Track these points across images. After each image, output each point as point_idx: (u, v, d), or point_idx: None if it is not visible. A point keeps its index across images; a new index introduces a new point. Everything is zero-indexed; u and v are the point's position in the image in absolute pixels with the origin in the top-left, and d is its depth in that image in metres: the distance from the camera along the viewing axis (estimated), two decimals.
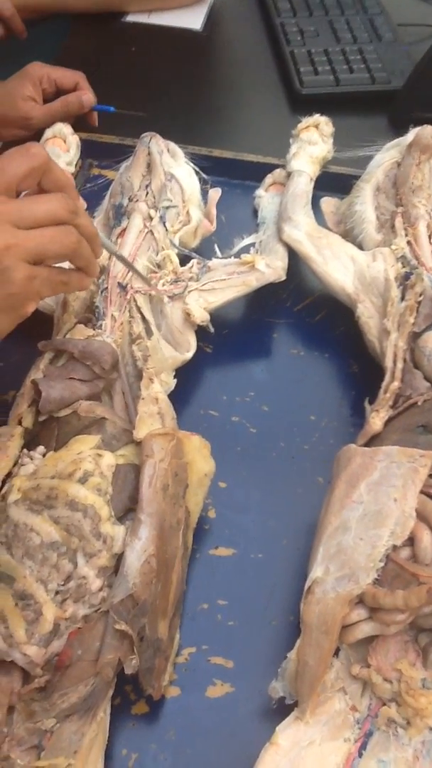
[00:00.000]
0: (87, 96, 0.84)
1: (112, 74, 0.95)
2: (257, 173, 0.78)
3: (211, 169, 0.75)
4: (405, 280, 0.61)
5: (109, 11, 1.04)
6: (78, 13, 1.03)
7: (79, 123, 0.85)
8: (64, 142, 0.76)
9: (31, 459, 0.51)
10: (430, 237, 0.65)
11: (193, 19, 1.06)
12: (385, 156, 0.70)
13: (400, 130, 0.87)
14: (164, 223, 0.66)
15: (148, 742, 0.46)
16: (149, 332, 0.59)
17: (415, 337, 0.57)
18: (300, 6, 1.04)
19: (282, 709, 0.45)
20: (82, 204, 0.49)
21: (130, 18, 1.05)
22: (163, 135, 0.76)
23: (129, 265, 0.59)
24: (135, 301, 0.60)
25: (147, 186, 0.67)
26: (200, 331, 0.62)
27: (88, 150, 0.80)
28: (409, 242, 0.65)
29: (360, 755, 0.42)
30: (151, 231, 0.65)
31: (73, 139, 0.76)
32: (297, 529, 0.54)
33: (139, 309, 0.60)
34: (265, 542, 0.54)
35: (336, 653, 0.45)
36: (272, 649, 0.49)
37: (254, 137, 0.88)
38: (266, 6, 1.06)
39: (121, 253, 0.60)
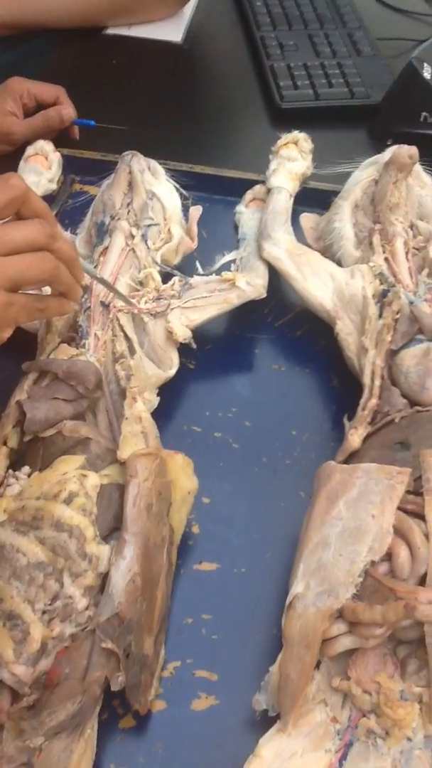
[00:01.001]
0: (67, 110, 0.85)
1: (93, 88, 0.96)
2: (238, 189, 0.79)
3: (192, 185, 0.76)
4: (383, 298, 0.62)
5: (89, 26, 1.05)
6: (58, 29, 1.04)
7: (60, 137, 0.86)
8: (46, 159, 0.76)
9: (17, 479, 0.51)
10: (407, 254, 0.67)
11: (173, 32, 1.07)
12: (363, 173, 0.72)
13: (379, 144, 0.90)
14: (146, 241, 0.67)
15: (136, 756, 0.47)
16: (132, 350, 0.60)
17: (392, 354, 0.59)
18: (279, 19, 1.05)
19: (266, 721, 0.46)
20: (60, 230, 0.50)
21: (111, 31, 1.07)
22: (144, 150, 0.77)
23: (109, 287, 0.60)
24: (118, 319, 0.61)
25: (128, 204, 0.68)
26: (183, 348, 0.63)
27: (70, 166, 0.81)
28: (386, 259, 0.66)
29: (341, 765, 0.44)
30: (133, 249, 0.66)
31: (55, 156, 0.77)
32: (280, 542, 0.56)
33: (121, 327, 0.61)
34: (249, 556, 0.55)
35: (317, 666, 0.47)
36: (256, 661, 0.50)
37: (235, 152, 0.89)
38: (246, 19, 1.07)
39: (101, 275, 0.61)
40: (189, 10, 1.09)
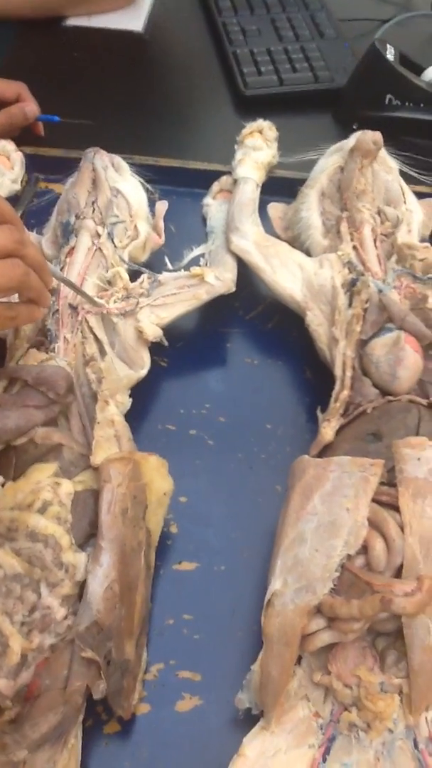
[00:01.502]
0: (30, 107, 0.83)
1: (55, 81, 0.95)
2: (204, 181, 0.79)
3: (158, 179, 0.75)
4: (351, 287, 0.62)
5: (48, 16, 1.03)
6: (17, 19, 1.02)
7: (24, 134, 0.84)
8: (8, 159, 0.75)
9: None
10: (375, 240, 0.66)
11: (133, 21, 1.05)
12: (329, 161, 0.71)
13: (345, 128, 0.89)
14: (112, 240, 0.66)
15: (122, 761, 0.47)
16: (103, 352, 0.60)
17: (363, 344, 0.59)
18: (241, 4, 1.04)
19: (250, 719, 0.47)
20: (27, 234, 0.49)
21: (71, 22, 1.05)
22: (109, 144, 0.76)
23: (76, 289, 0.60)
24: (87, 321, 0.60)
25: (93, 202, 0.68)
26: (155, 345, 0.63)
27: (33, 164, 0.80)
28: (354, 247, 0.66)
29: (324, 760, 0.44)
30: (99, 248, 0.65)
31: (17, 156, 0.76)
32: (258, 538, 0.56)
33: (91, 329, 0.60)
34: (228, 554, 0.56)
35: (298, 661, 0.47)
36: (239, 659, 0.50)
37: (200, 142, 0.89)
38: (207, 5, 1.06)
39: (68, 277, 0.60)
40: None
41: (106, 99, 0.93)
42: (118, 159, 0.71)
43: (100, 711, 0.48)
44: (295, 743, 0.44)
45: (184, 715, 0.49)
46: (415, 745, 0.44)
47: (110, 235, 0.66)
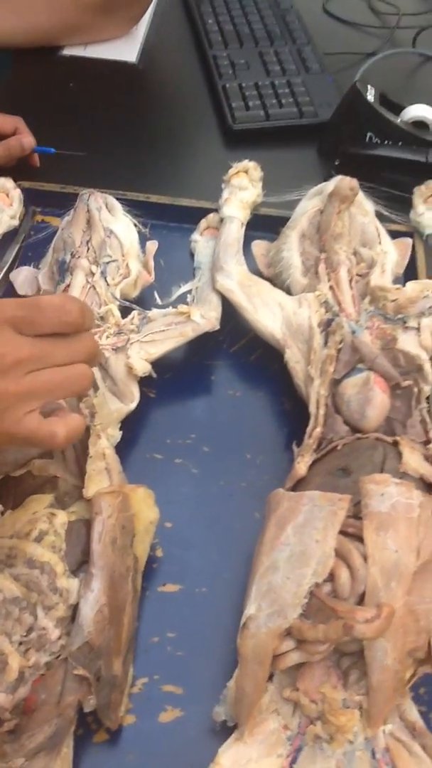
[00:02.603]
0: (27, 139, 0.88)
1: (50, 110, 0.99)
2: (193, 217, 0.83)
3: (148, 213, 0.80)
4: (327, 327, 0.67)
5: (42, 45, 1.07)
6: (11, 47, 1.06)
7: (20, 165, 0.89)
8: (7, 196, 0.79)
9: None
10: (350, 281, 0.71)
11: (128, 52, 1.10)
12: (309, 204, 0.76)
13: (327, 161, 0.94)
14: (105, 278, 0.71)
15: (110, 767, 0.52)
16: (95, 386, 0.64)
17: (335, 383, 0.63)
18: (231, 37, 1.09)
19: (226, 730, 0.52)
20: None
21: (67, 51, 1.09)
22: (101, 179, 0.81)
23: None
24: None
25: (88, 242, 0.72)
26: (144, 377, 0.67)
27: (31, 198, 0.84)
28: (331, 287, 0.71)
29: None
30: (93, 286, 0.70)
31: (16, 193, 0.80)
32: (237, 562, 0.60)
33: None
34: (209, 577, 0.60)
35: (270, 678, 0.52)
36: (217, 674, 0.55)
37: (189, 177, 0.93)
38: (199, 37, 1.10)
39: None
40: (142, 29, 1.12)
41: (99, 130, 0.97)
42: (111, 199, 0.76)
43: (90, 721, 0.53)
44: (266, 753, 0.49)
45: (167, 725, 0.54)
46: (373, 755, 0.49)
47: (103, 274, 0.71)
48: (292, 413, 0.70)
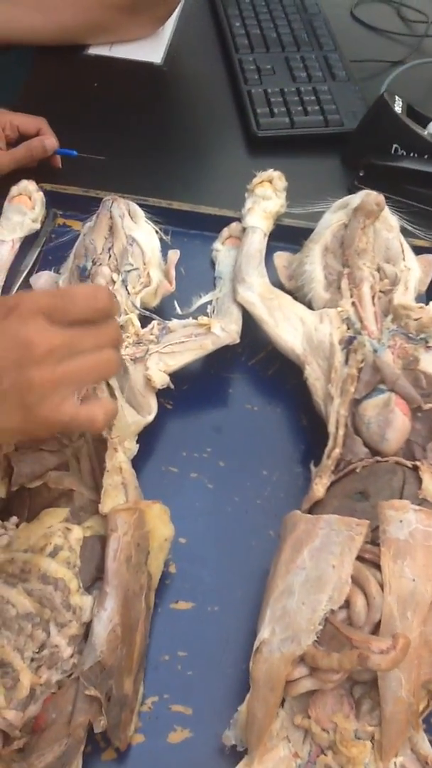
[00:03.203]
0: (50, 140, 0.87)
1: (73, 110, 0.99)
2: (215, 225, 0.82)
3: (170, 220, 0.79)
4: (349, 345, 0.66)
5: (71, 43, 1.07)
6: (36, 45, 1.06)
7: (41, 166, 0.88)
8: (30, 199, 0.79)
9: (6, 530, 0.55)
10: (373, 298, 0.70)
11: (153, 53, 1.09)
12: (333, 217, 0.75)
13: (352, 172, 0.93)
14: (126, 287, 0.70)
15: None
16: (113, 397, 0.64)
17: (356, 403, 0.63)
18: (257, 41, 1.07)
19: (235, 754, 0.51)
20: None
21: (92, 51, 1.08)
22: (124, 183, 0.81)
23: None
24: None
25: (109, 249, 0.72)
26: (161, 388, 0.67)
27: (52, 200, 0.83)
28: (354, 303, 0.70)
29: None
30: (113, 294, 0.69)
31: (38, 196, 0.79)
32: (251, 580, 0.60)
33: None
34: (222, 595, 0.60)
35: (281, 704, 0.51)
36: (228, 696, 0.55)
37: (212, 183, 0.92)
38: (225, 40, 1.09)
39: None
40: (168, 30, 1.11)
41: (121, 132, 0.97)
42: (134, 206, 0.75)
43: (99, 739, 0.53)
44: None
45: (175, 746, 0.53)
46: None
47: (124, 282, 0.70)
48: (310, 430, 0.69)
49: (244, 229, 0.79)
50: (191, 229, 0.84)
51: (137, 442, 0.64)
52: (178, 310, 0.73)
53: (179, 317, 0.71)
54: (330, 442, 0.61)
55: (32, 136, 0.88)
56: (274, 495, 0.66)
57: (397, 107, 0.90)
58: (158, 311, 0.72)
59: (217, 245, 0.81)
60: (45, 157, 0.88)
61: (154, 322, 0.69)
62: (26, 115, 0.88)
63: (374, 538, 0.54)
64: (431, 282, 0.76)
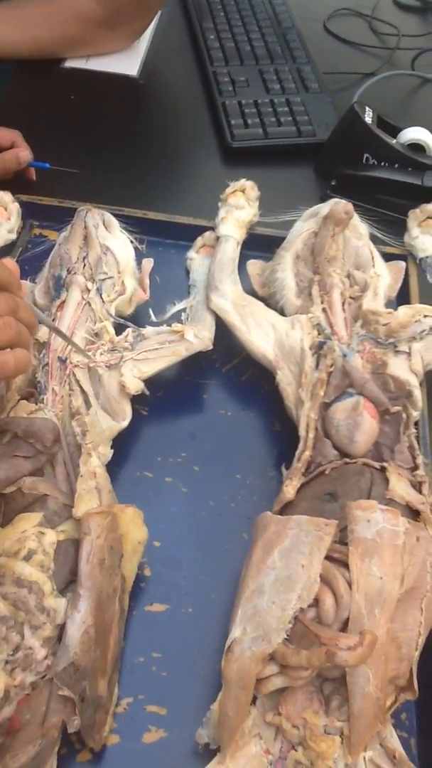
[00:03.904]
0: (24, 153, 0.88)
1: (50, 123, 1.00)
2: (190, 234, 0.84)
3: (145, 230, 0.81)
4: (319, 349, 0.68)
5: (48, 57, 1.08)
6: (13, 59, 1.07)
7: (15, 178, 0.89)
8: (5, 210, 0.80)
9: None
10: (343, 304, 0.72)
11: (129, 65, 1.10)
12: (304, 226, 0.76)
13: (324, 181, 0.95)
14: (101, 295, 0.71)
15: None
16: (88, 404, 0.65)
17: (325, 407, 0.64)
18: (232, 55, 1.09)
19: (209, 753, 0.52)
20: (25, 292, 0.55)
21: (69, 63, 1.10)
22: (99, 194, 0.82)
23: (70, 342, 0.65)
24: (74, 374, 0.65)
25: (84, 258, 0.73)
26: (136, 394, 0.68)
27: (28, 211, 0.84)
28: (324, 309, 0.71)
29: None
30: (88, 303, 0.70)
31: (14, 207, 0.80)
32: (224, 583, 0.61)
33: (78, 382, 0.65)
34: (196, 597, 0.61)
35: (253, 702, 0.52)
36: (202, 696, 0.55)
37: (188, 192, 0.94)
38: (200, 53, 1.11)
39: (61, 329, 0.65)
40: (144, 43, 1.13)
41: (98, 144, 0.98)
42: (108, 216, 0.76)
43: (74, 740, 0.53)
44: None
45: (150, 746, 0.54)
46: None
47: (99, 291, 0.71)
48: (283, 434, 0.70)
49: (217, 238, 0.80)
50: (166, 238, 0.85)
51: (112, 447, 0.65)
52: (153, 318, 0.74)
53: (154, 325, 0.72)
54: (300, 445, 0.63)
55: (7, 148, 0.89)
56: (248, 498, 0.67)
57: (368, 118, 0.92)
58: (133, 319, 0.73)
59: (191, 254, 0.83)
60: (19, 169, 0.89)
61: (129, 330, 0.70)
62: (0, 128, 0.89)
63: (343, 538, 0.55)
64: (400, 288, 0.78)
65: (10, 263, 0.56)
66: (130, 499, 0.61)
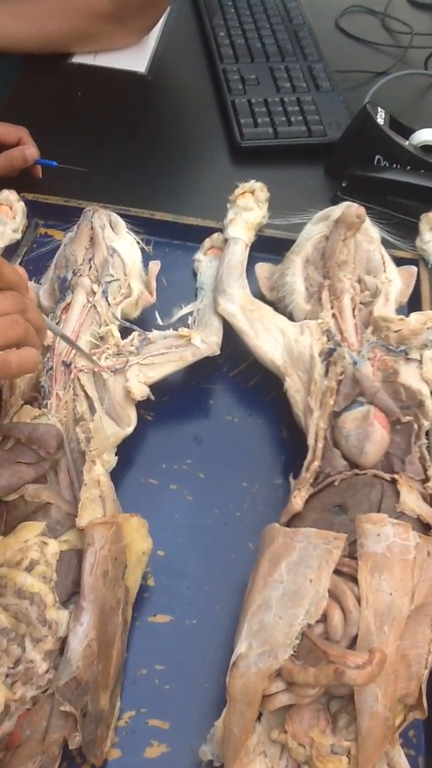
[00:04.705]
0: (30, 150, 0.87)
1: (57, 119, 0.98)
2: (197, 235, 0.82)
3: (152, 231, 0.79)
4: (329, 356, 0.66)
5: (55, 52, 1.06)
6: (21, 54, 1.05)
7: (22, 176, 0.88)
8: (11, 209, 0.79)
9: None
10: (354, 309, 0.71)
11: (137, 62, 1.09)
12: (314, 229, 0.75)
13: (335, 182, 0.93)
14: (106, 298, 0.70)
15: None
16: (92, 409, 0.63)
17: (335, 416, 0.63)
18: (242, 52, 1.08)
19: None
20: (32, 297, 0.54)
21: (76, 59, 1.08)
22: (106, 193, 0.81)
23: (75, 346, 0.64)
24: (78, 379, 0.64)
25: (90, 260, 0.71)
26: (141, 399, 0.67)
27: (34, 210, 0.83)
28: (334, 315, 0.70)
29: None
30: (94, 305, 0.69)
31: (19, 206, 0.79)
32: (229, 593, 0.60)
33: (82, 387, 0.64)
34: (200, 608, 0.60)
35: (258, 719, 0.51)
36: (205, 710, 0.54)
37: (196, 192, 0.92)
38: (209, 50, 1.09)
39: (66, 334, 0.64)
40: (153, 39, 1.11)
41: (105, 142, 0.96)
42: (115, 216, 0.75)
43: (75, 755, 0.52)
44: None
45: (152, 761, 0.53)
46: None
47: (105, 293, 0.70)
48: (290, 442, 0.69)
49: (225, 240, 0.79)
50: (173, 239, 0.84)
51: (116, 453, 0.63)
52: (159, 321, 0.73)
53: (160, 328, 0.71)
54: (309, 455, 0.61)
55: (13, 145, 0.88)
56: (254, 507, 0.65)
57: (380, 118, 0.90)
58: (139, 322, 0.72)
59: (198, 256, 0.81)
60: (25, 167, 0.88)
61: (135, 333, 0.69)
62: (7, 124, 0.88)
63: (352, 552, 0.54)
64: (412, 293, 0.76)
65: (19, 269, 0.55)
66: (134, 506, 0.60)
